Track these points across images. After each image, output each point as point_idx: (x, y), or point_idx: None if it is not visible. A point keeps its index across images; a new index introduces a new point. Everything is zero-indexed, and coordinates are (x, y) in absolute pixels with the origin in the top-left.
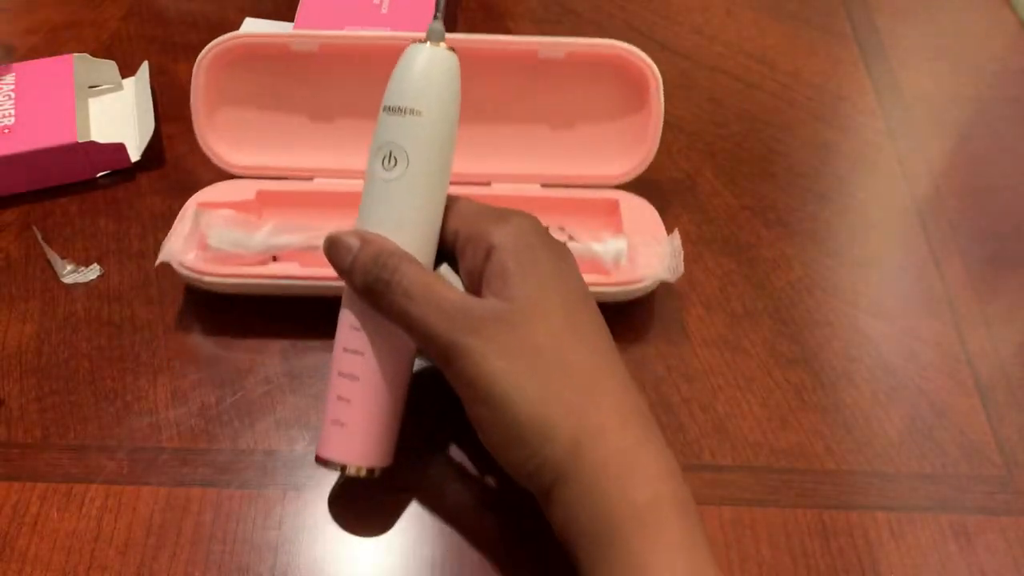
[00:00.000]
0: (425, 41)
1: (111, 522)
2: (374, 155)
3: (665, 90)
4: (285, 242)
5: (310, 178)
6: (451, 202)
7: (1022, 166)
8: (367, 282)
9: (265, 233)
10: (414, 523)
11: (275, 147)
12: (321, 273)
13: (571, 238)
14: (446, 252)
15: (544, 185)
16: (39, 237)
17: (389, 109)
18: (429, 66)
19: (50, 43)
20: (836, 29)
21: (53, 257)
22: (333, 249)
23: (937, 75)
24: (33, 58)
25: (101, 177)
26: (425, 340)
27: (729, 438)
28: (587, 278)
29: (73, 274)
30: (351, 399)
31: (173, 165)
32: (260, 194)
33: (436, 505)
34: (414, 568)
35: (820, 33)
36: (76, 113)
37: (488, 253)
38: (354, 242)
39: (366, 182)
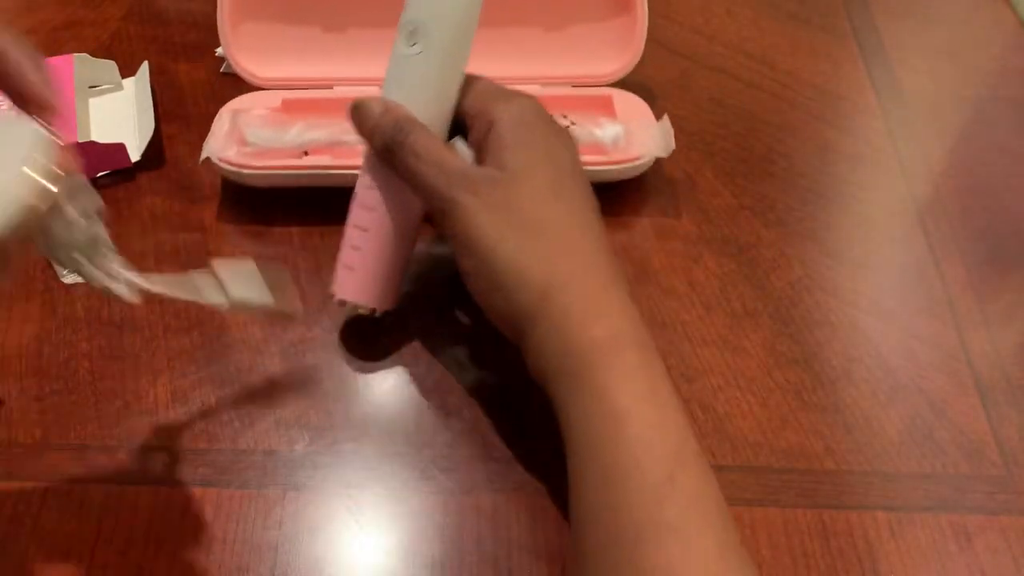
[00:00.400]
0: None
1: (111, 522)
2: (400, 32)
3: (665, 90)
4: (315, 137)
5: (330, 87)
6: (468, 80)
7: (1022, 166)
8: (384, 142)
9: (297, 130)
10: (414, 523)
11: (297, 59)
12: (349, 163)
13: (573, 123)
14: (459, 126)
15: (543, 85)
16: None
17: None
18: None
19: (50, 43)
20: (836, 29)
21: None
22: (357, 112)
23: (937, 75)
24: None
25: (101, 177)
26: (427, 195)
27: (729, 438)
28: (589, 158)
29: (73, 274)
30: (362, 247)
31: (173, 165)
32: (285, 103)
33: (436, 505)
34: (414, 568)
35: (820, 33)
36: (76, 113)
37: (490, 126)
38: (376, 107)
39: (391, 57)
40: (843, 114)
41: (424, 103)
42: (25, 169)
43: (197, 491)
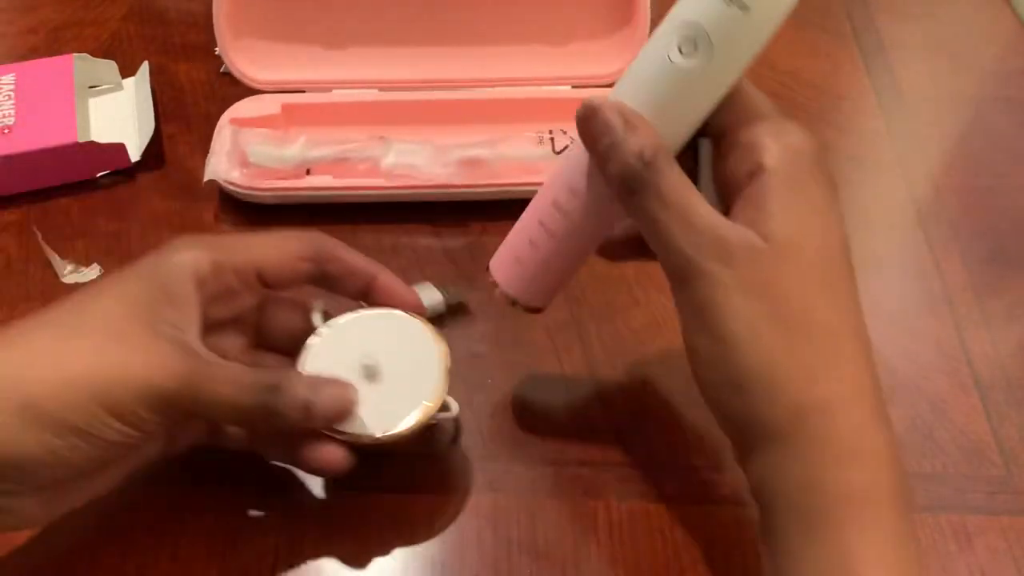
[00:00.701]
0: None
1: (112, 523)
2: (670, 32)
3: None
4: (318, 155)
5: (329, 90)
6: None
7: (1022, 166)
8: (623, 173)
9: (299, 147)
10: (414, 523)
11: (295, 62)
12: (352, 183)
13: (573, 140)
14: (701, 134)
15: (543, 86)
16: (39, 237)
17: None
18: None
19: (50, 43)
20: (836, 29)
21: (53, 257)
22: (590, 121)
23: (937, 75)
24: (33, 58)
25: (101, 177)
26: (666, 252)
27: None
28: None
29: (73, 274)
30: (540, 247)
31: (173, 165)
32: (285, 107)
33: (436, 505)
34: (414, 568)
35: (820, 33)
36: (76, 113)
37: (754, 172)
38: (617, 120)
39: (647, 55)
40: (843, 114)
41: (676, 128)
42: (426, 403)
43: (197, 491)
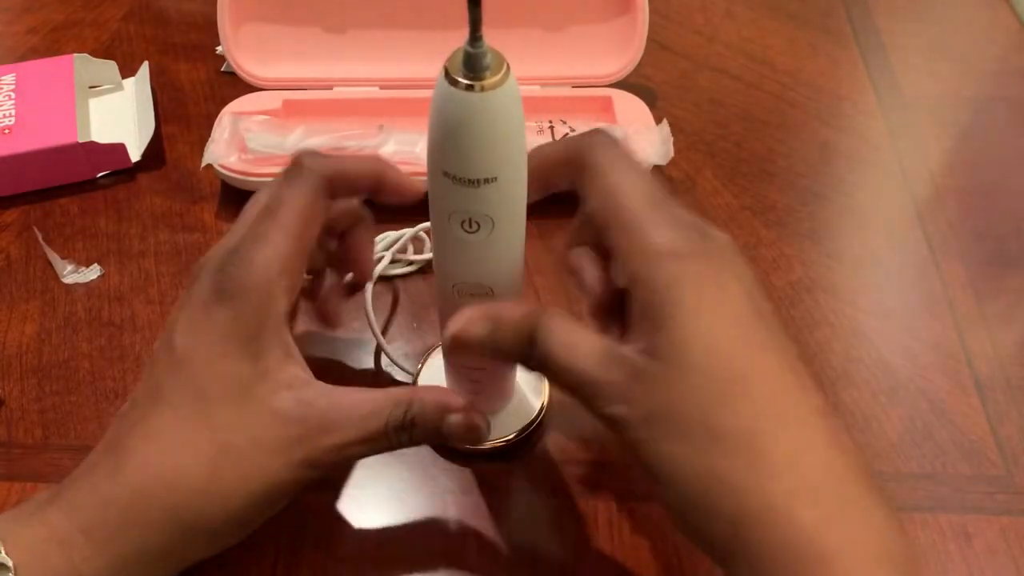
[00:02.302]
0: (473, 83)
1: None
2: (446, 216)
3: (665, 90)
4: (315, 143)
5: (329, 87)
6: (597, 174)
7: (1022, 166)
8: (514, 358)
9: (297, 136)
10: (414, 523)
11: (297, 59)
12: None
13: (573, 130)
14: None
15: (543, 85)
16: (39, 237)
17: (455, 179)
18: (497, 126)
19: (50, 43)
20: (836, 29)
21: (53, 257)
22: (465, 344)
23: (937, 75)
24: (33, 58)
25: (101, 177)
26: (574, 396)
27: None
28: None
29: (73, 274)
30: (481, 380)
31: (173, 165)
32: (286, 103)
33: (436, 505)
34: (415, 568)
35: (820, 33)
36: (76, 113)
37: (629, 283)
38: (480, 333)
39: (443, 238)
40: (843, 114)
41: (504, 280)
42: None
43: None
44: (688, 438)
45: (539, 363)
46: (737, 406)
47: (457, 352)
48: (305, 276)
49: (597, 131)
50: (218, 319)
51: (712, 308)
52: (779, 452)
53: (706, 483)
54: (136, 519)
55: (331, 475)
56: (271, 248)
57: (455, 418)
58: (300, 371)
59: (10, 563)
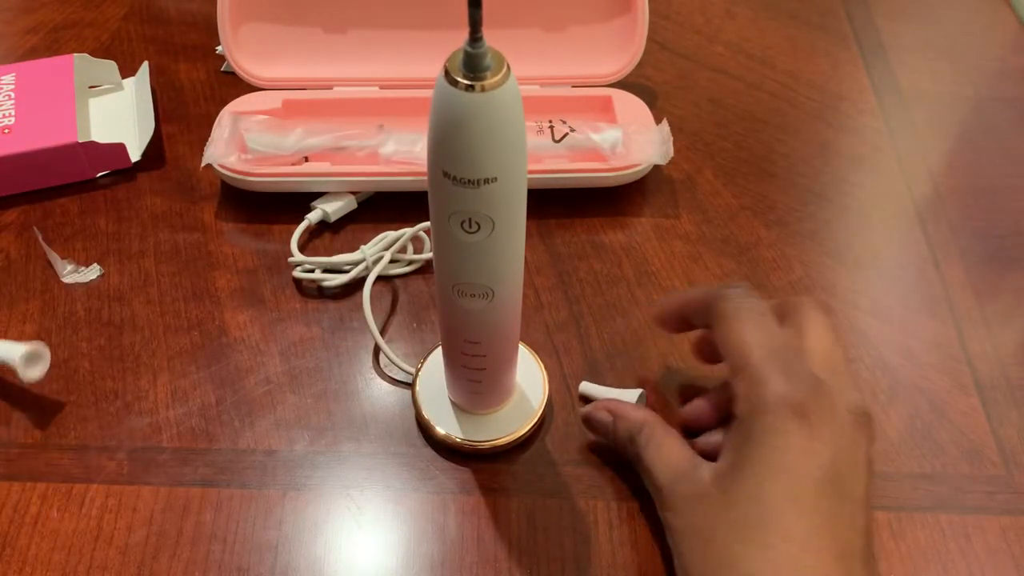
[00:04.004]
0: (474, 83)
1: (111, 522)
2: (446, 217)
3: (665, 90)
4: (315, 143)
5: (330, 87)
6: (724, 311)
7: (1022, 166)
8: (623, 443)
9: (297, 136)
10: (414, 523)
11: (297, 59)
12: (349, 170)
13: (573, 130)
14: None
15: (543, 85)
16: (39, 237)
17: (455, 179)
18: (497, 126)
19: (50, 43)
20: (836, 29)
21: (53, 257)
22: (591, 424)
23: (937, 75)
24: (33, 58)
25: (101, 177)
26: (650, 487)
27: None
28: (588, 165)
29: (73, 274)
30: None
31: (173, 165)
32: (286, 103)
33: (436, 505)
34: (414, 568)
35: (820, 33)
36: (76, 113)
37: (750, 411)
38: (606, 418)
39: (443, 238)
40: (843, 114)
41: (508, 281)
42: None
43: (197, 491)
44: (711, 563)
45: (635, 457)
46: (764, 555)
47: (588, 428)
48: None
49: (728, 286)
50: None
51: (784, 469)
52: None
53: None
54: None
55: None
56: None
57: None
58: None
59: None
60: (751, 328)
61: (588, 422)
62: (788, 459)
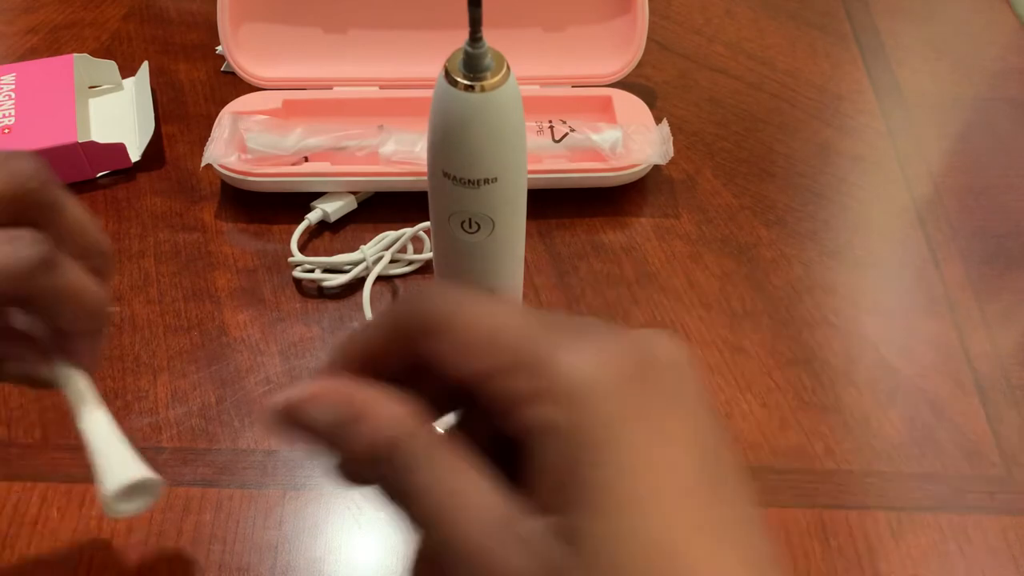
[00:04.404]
0: (474, 83)
1: (111, 522)
2: (446, 217)
3: (665, 90)
4: (314, 143)
5: (330, 87)
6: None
7: (1022, 166)
8: (361, 477)
9: (297, 136)
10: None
11: (297, 59)
12: (349, 170)
13: (572, 130)
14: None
15: (543, 85)
16: None
17: (455, 179)
18: (497, 126)
19: (50, 43)
20: (836, 29)
21: None
22: (298, 418)
23: (937, 75)
24: (33, 58)
25: (101, 177)
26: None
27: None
28: (588, 165)
29: None
30: None
31: (173, 165)
32: (286, 103)
33: None
34: None
35: (820, 33)
36: (76, 113)
37: (534, 427)
38: (328, 418)
39: (444, 238)
40: (843, 114)
41: (506, 281)
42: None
43: (197, 491)
44: None
45: (398, 499)
46: None
47: (281, 431)
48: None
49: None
50: None
51: (655, 480)
52: None
53: None
54: None
55: None
56: None
57: None
58: None
59: None
60: (491, 308)
61: (288, 423)
62: (657, 470)
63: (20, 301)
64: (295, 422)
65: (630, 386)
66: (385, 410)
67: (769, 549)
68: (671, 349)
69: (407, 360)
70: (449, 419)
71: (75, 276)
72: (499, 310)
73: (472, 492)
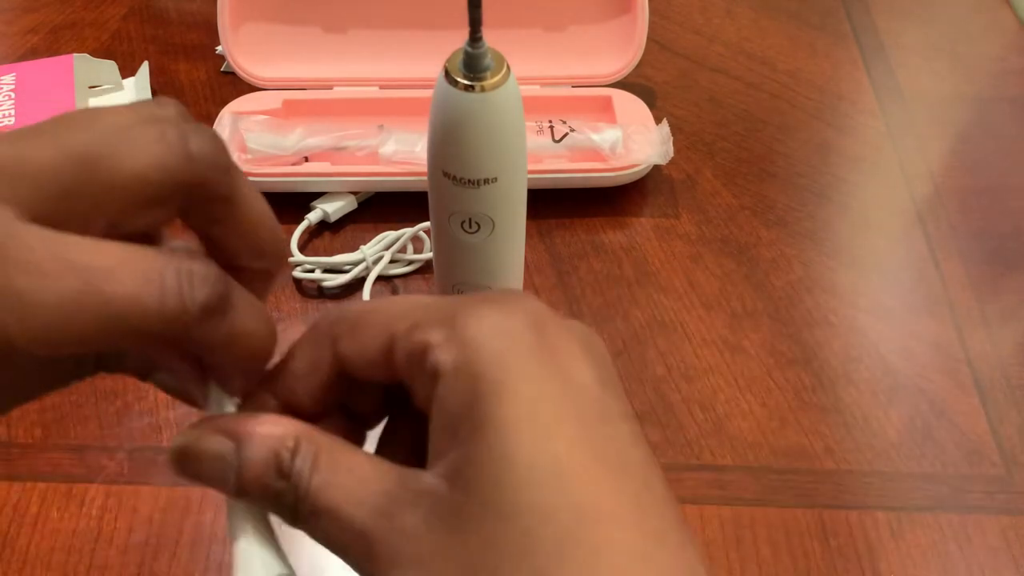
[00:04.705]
0: (474, 83)
1: (111, 522)
2: (446, 217)
3: (665, 90)
4: (315, 143)
5: (330, 87)
6: (367, 311)
7: (1022, 166)
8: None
9: (297, 136)
10: None
11: (297, 59)
12: (350, 170)
13: (572, 130)
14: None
15: (543, 85)
16: None
17: (455, 179)
18: (497, 126)
19: (50, 43)
20: (836, 29)
21: None
22: (196, 469)
23: (937, 75)
24: (33, 58)
25: None
26: (346, 559)
27: (729, 438)
28: (588, 165)
29: None
30: None
31: None
32: (286, 103)
33: None
34: None
35: (820, 33)
36: None
37: (433, 375)
38: (222, 447)
39: (443, 238)
40: (843, 114)
41: (507, 280)
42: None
43: (197, 491)
44: None
45: (295, 500)
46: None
47: (183, 475)
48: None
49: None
50: None
51: (544, 409)
52: None
53: None
54: None
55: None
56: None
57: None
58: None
59: None
60: (399, 297)
61: (188, 467)
62: (534, 388)
63: (176, 345)
64: (189, 469)
65: (528, 333)
66: (270, 426)
67: (666, 492)
68: (571, 320)
69: (331, 376)
70: (378, 429)
71: (247, 318)
72: (408, 297)
73: (363, 467)
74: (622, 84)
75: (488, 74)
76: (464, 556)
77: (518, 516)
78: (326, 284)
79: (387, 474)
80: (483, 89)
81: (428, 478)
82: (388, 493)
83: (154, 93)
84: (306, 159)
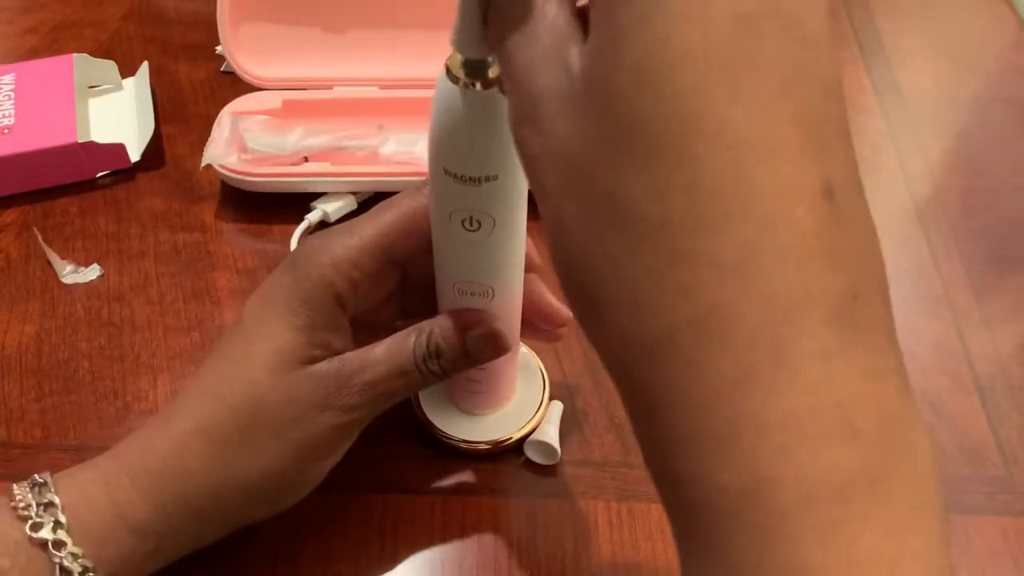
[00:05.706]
0: (475, 81)
1: None
2: (446, 215)
3: None
4: (315, 143)
5: (330, 87)
6: None
7: (1022, 166)
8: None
9: (297, 136)
10: (414, 523)
11: (297, 59)
12: (350, 170)
13: None
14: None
15: None
16: (39, 237)
17: (456, 177)
18: (499, 123)
19: (50, 43)
20: (836, 29)
21: (53, 257)
22: (490, 345)
23: (937, 75)
24: (33, 58)
25: (101, 177)
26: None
27: None
28: None
29: (73, 274)
30: (481, 380)
31: (173, 165)
32: (286, 103)
33: (437, 505)
34: (414, 569)
35: None
36: (76, 113)
37: None
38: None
39: (444, 236)
40: None
41: (506, 279)
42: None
43: None
44: (592, 207)
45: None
46: (661, 181)
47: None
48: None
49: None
50: (281, 284)
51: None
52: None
53: (623, 274)
54: (176, 468)
55: (369, 417)
56: (353, 237)
57: (476, 332)
58: (340, 342)
59: (57, 500)
60: None
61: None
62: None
63: None
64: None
65: None
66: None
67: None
68: None
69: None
70: None
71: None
72: None
73: (539, 20)
74: None
75: (489, 71)
76: (579, 144)
77: (639, 99)
78: None
79: (562, 23)
80: (484, 86)
81: (579, 50)
82: (554, 69)
83: (154, 93)
84: (306, 159)
